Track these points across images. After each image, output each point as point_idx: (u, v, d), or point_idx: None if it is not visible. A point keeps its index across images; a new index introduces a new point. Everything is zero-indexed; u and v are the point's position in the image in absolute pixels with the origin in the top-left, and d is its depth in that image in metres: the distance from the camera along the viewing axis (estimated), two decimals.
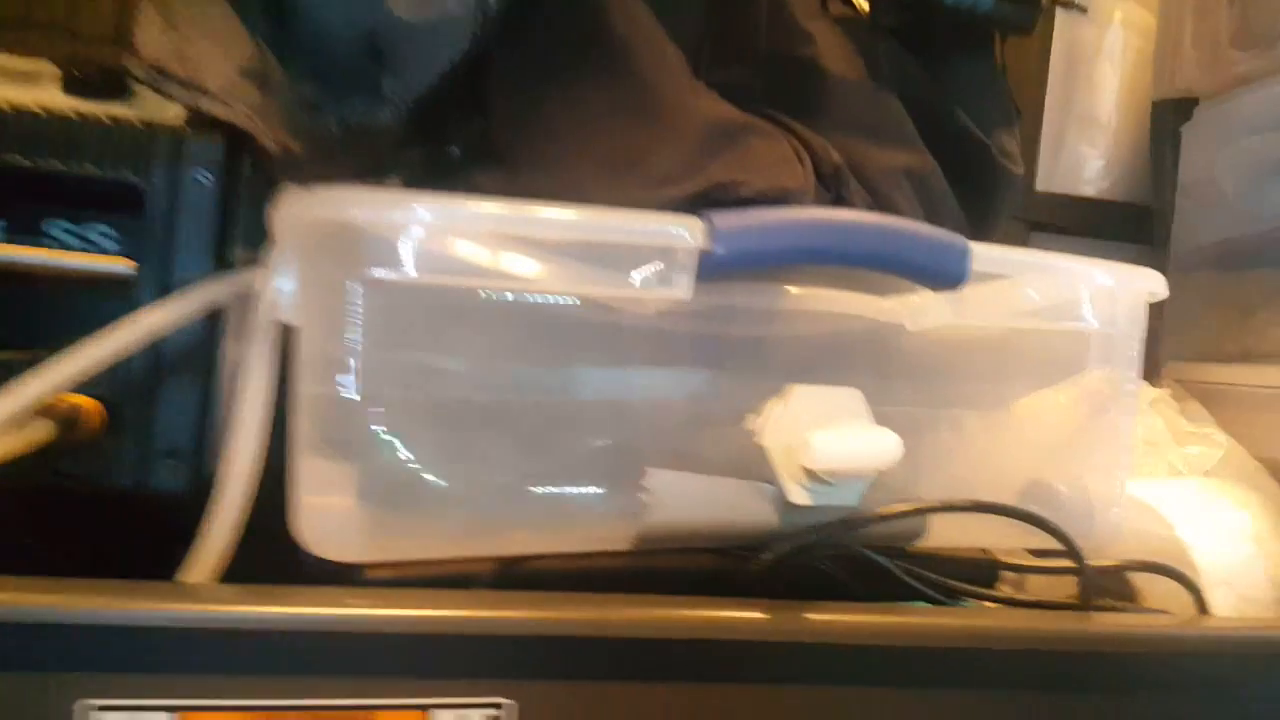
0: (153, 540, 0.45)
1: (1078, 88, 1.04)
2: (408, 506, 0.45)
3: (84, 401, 0.48)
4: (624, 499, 0.47)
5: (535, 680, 0.42)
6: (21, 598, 0.38)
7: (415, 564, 0.46)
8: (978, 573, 0.56)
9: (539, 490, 0.47)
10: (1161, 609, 0.59)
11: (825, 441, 0.47)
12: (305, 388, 0.44)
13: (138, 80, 0.46)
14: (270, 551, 0.44)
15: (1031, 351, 0.57)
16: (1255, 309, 0.86)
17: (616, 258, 0.45)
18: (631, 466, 0.48)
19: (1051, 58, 1.04)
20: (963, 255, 0.50)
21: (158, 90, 0.46)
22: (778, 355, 0.51)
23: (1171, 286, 0.57)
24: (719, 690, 0.44)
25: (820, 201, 0.52)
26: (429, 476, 0.45)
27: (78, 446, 0.47)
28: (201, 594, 0.43)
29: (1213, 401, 0.83)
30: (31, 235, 0.48)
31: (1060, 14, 1.02)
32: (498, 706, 0.41)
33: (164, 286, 0.49)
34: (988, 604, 0.54)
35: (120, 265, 0.49)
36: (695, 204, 0.48)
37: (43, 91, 0.50)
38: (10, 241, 0.48)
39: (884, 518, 0.50)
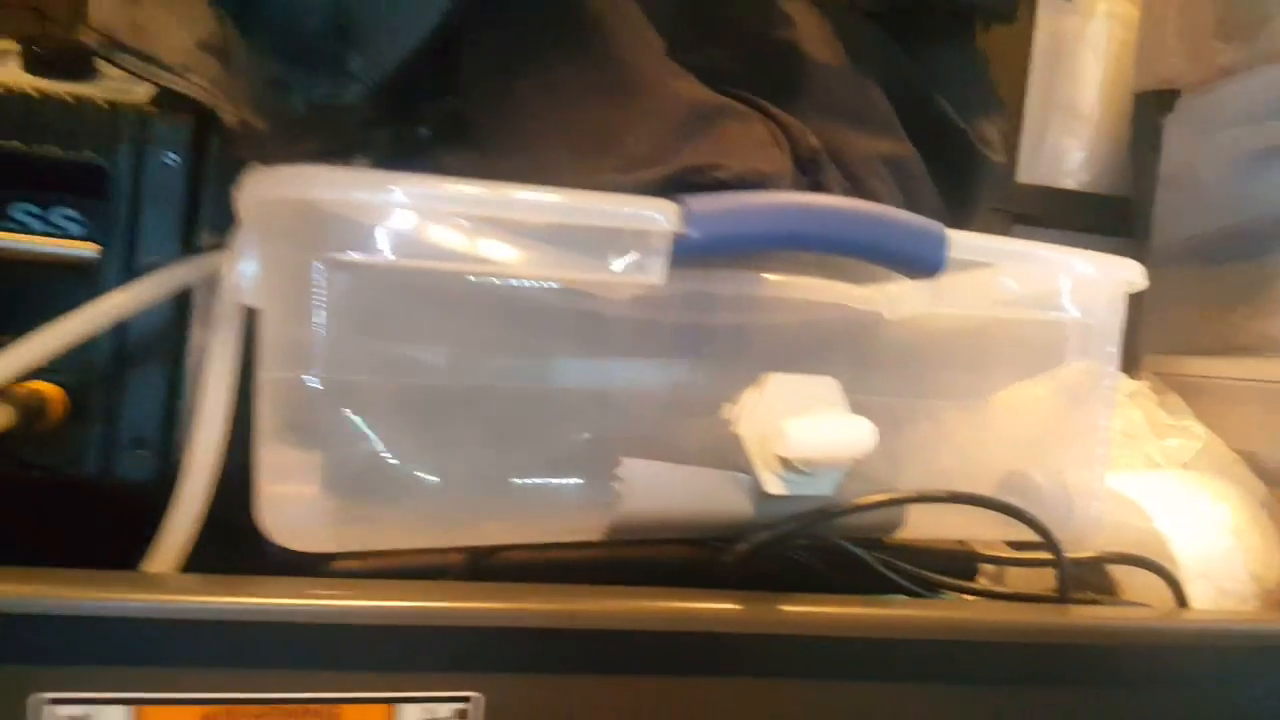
0: (120, 532, 0.44)
1: (1060, 79, 1.04)
2: (374, 495, 0.44)
3: (46, 388, 0.47)
4: (597, 488, 0.47)
5: (504, 673, 0.42)
6: None
7: (383, 555, 0.45)
8: (956, 565, 0.56)
9: (510, 479, 0.47)
10: (1140, 601, 0.59)
11: (799, 430, 0.46)
12: (268, 373, 0.43)
13: (93, 53, 0.45)
14: (235, 542, 0.44)
15: (1010, 342, 0.57)
16: (1235, 302, 0.86)
17: (589, 241, 0.45)
18: (605, 455, 0.47)
19: (1034, 48, 1.04)
20: (940, 242, 0.50)
21: (110, 60, 0.45)
22: (754, 343, 0.51)
23: (1151, 279, 0.57)
24: (691, 684, 0.44)
25: (798, 187, 0.52)
26: (395, 464, 0.44)
27: (40, 434, 0.46)
28: (159, 584, 0.42)
29: (1191, 394, 0.84)
30: None
31: (1043, 4, 1.02)
32: (465, 700, 0.41)
33: (129, 270, 0.48)
34: (966, 596, 0.54)
35: (84, 249, 0.48)
36: (670, 187, 0.47)
37: (5, 71, 0.49)
38: None
39: (860, 508, 0.49)
